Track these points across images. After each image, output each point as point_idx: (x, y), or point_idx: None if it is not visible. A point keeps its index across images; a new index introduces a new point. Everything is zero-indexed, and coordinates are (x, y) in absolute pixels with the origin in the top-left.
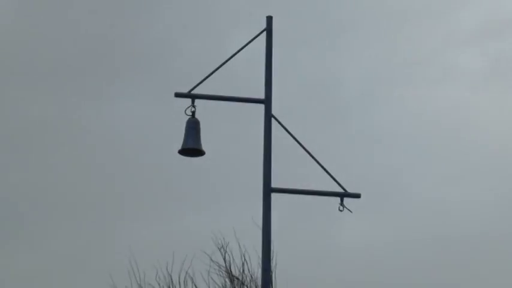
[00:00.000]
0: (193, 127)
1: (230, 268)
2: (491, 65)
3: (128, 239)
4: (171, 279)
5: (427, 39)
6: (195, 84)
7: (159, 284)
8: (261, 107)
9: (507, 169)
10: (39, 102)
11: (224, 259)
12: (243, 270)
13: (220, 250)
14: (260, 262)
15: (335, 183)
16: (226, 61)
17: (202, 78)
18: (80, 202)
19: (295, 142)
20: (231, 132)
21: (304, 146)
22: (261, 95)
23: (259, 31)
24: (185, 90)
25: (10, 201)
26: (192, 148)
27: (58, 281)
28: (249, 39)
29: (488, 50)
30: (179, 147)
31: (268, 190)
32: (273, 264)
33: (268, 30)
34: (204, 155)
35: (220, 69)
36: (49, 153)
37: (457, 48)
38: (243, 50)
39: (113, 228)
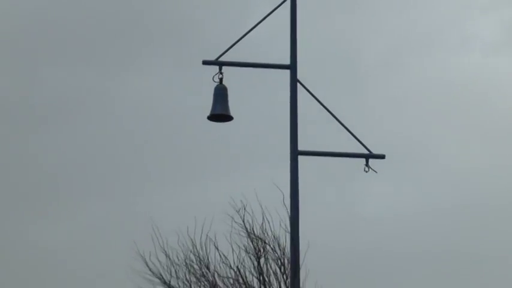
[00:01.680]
0: (221, 93)
1: (252, 228)
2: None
3: (150, 206)
4: (193, 242)
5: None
6: (222, 52)
7: (181, 248)
8: (287, 73)
9: None
10: (69, 75)
11: (243, 220)
12: (264, 230)
13: (240, 211)
14: (281, 223)
15: (360, 146)
16: (252, 29)
17: (229, 46)
18: (108, 171)
19: (321, 106)
20: (258, 98)
21: (330, 110)
22: (286, 62)
23: None
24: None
25: (43, 170)
26: (220, 114)
27: (85, 249)
28: (274, 7)
29: (506, 17)
30: (208, 113)
31: (295, 153)
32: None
33: None
34: (232, 121)
35: (246, 37)
36: (79, 124)
37: (476, 16)
38: (268, 17)
39: (138, 195)
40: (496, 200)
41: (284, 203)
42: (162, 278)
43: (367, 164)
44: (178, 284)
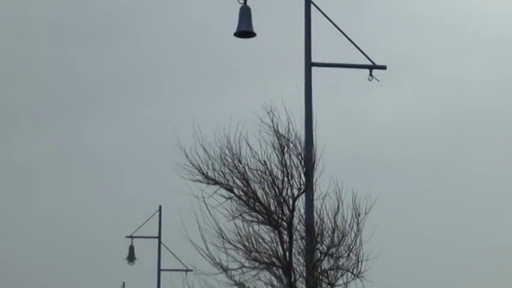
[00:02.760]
0: (245, 13)
1: (277, 128)
2: None
3: (192, 108)
4: (228, 139)
5: None
6: None
7: (217, 144)
8: None
9: None
10: None
11: (272, 121)
12: (288, 130)
13: (268, 113)
14: (303, 123)
15: (365, 59)
16: None
17: None
18: (155, 80)
19: (331, 24)
20: (277, 17)
21: (338, 26)
22: None
23: None
24: None
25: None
26: (245, 31)
27: (136, 146)
28: None
29: None
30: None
31: (309, 64)
32: (314, 124)
33: None
34: (255, 37)
35: None
36: (129, 42)
37: None
38: None
39: (182, 99)
40: (488, 108)
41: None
42: (201, 169)
43: (370, 74)
44: (214, 174)
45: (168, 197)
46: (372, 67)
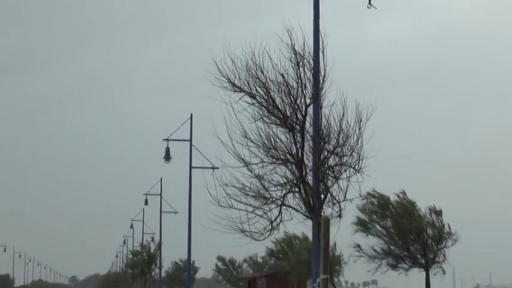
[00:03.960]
0: None
1: (294, 46)
2: None
3: (223, 27)
4: (253, 52)
5: None
6: None
7: (244, 56)
8: None
9: None
10: None
11: (290, 38)
12: (304, 48)
13: (287, 31)
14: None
15: None
16: None
17: None
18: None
19: None
20: None
21: None
22: None
23: None
24: None
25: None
26: None
27: (170, 64)
28: None
29: None
30: None
31: None
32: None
33: None
34: None
35: None
36: None
37: None
38: None
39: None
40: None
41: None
42: (228, 78)
43: (369, 2)
44: (240, 83)
45: (200, 105)
46: None
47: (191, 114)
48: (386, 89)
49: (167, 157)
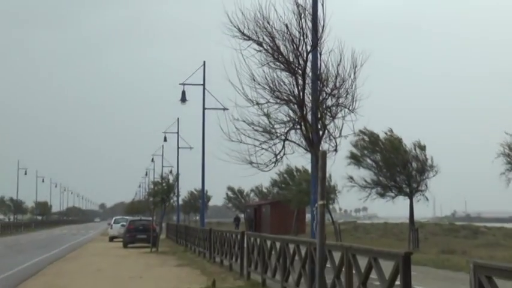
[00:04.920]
0: None
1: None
2: None
3: None
4: (260, 5)
5: None
6: None
7: (252, 8)
8: None
9: None
10: None
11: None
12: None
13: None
14: None
15: None
16: None
17: None
18: None
19: None
20: None
21: None
22: None
23: None
24: None
25: None
26: None
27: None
28: None
29: None
30: None
31: None
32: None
33: None
34: None
35: None
36: None
37: None
38: None
39: None
40: None
41: None
42: (239, 28)
43: None
44: (248, 32)
45: (213, 53)
46: None
47: (204, 61)
48: (381, 37)
49: (183, 99)
